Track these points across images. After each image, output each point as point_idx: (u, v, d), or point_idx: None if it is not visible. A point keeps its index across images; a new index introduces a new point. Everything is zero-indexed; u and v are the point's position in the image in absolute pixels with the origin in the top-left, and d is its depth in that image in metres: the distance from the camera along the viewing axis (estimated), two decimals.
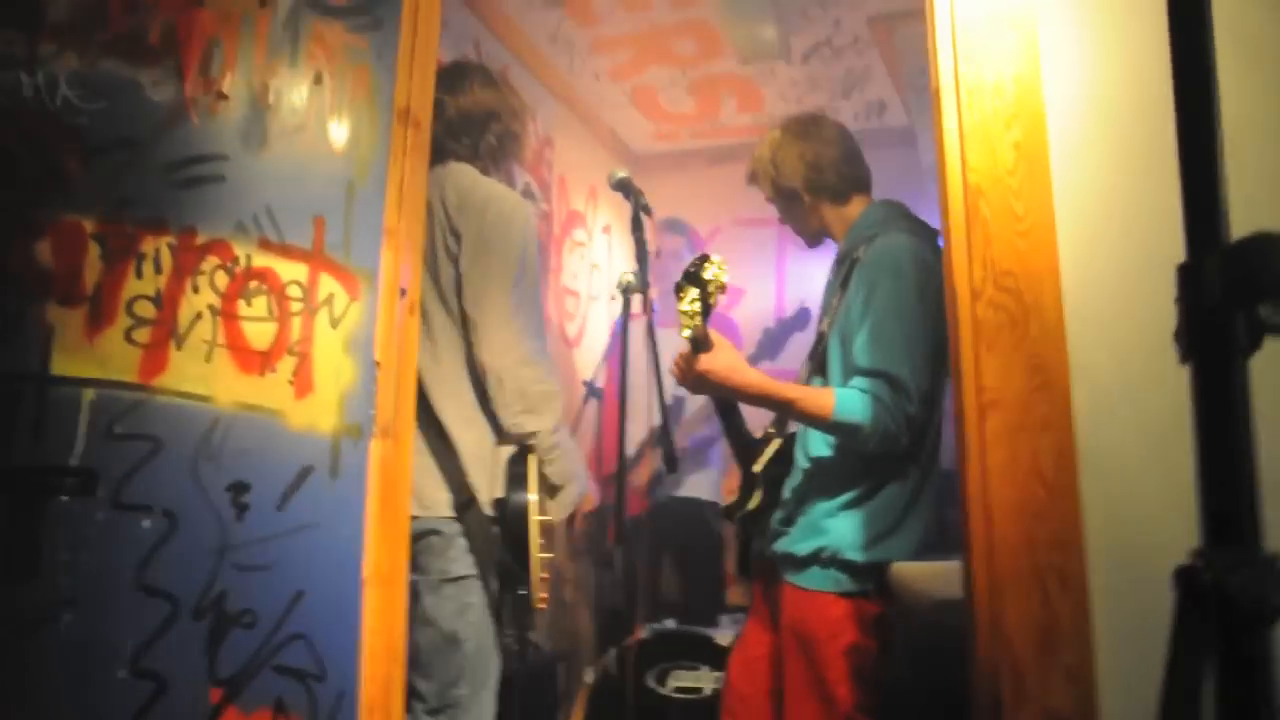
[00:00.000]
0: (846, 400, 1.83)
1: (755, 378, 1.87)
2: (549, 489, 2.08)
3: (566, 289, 3.93)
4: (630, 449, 3.48)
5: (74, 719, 1.34)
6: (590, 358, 3.82)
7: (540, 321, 2.08)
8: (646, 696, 2.61)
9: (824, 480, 1.96)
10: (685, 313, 1.77)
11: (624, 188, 2.28)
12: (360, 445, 1.67)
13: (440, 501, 2.00)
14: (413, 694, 1.99)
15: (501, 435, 2.06)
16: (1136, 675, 1.23)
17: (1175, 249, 1.09)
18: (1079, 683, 1.25)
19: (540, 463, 2.04)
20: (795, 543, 1.95)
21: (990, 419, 1.35)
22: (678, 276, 1.79)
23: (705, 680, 2.62)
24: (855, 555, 1.88)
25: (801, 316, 3.49)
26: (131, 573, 1.40)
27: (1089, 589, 1.29)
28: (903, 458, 1.92)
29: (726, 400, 2.06)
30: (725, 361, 1.85)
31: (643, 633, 2.64)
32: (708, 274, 1.75)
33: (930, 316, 1.86)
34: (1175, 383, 1.33)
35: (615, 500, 1.98)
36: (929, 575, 1.79)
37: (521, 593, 1.97)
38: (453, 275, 2.05)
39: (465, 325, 2.03)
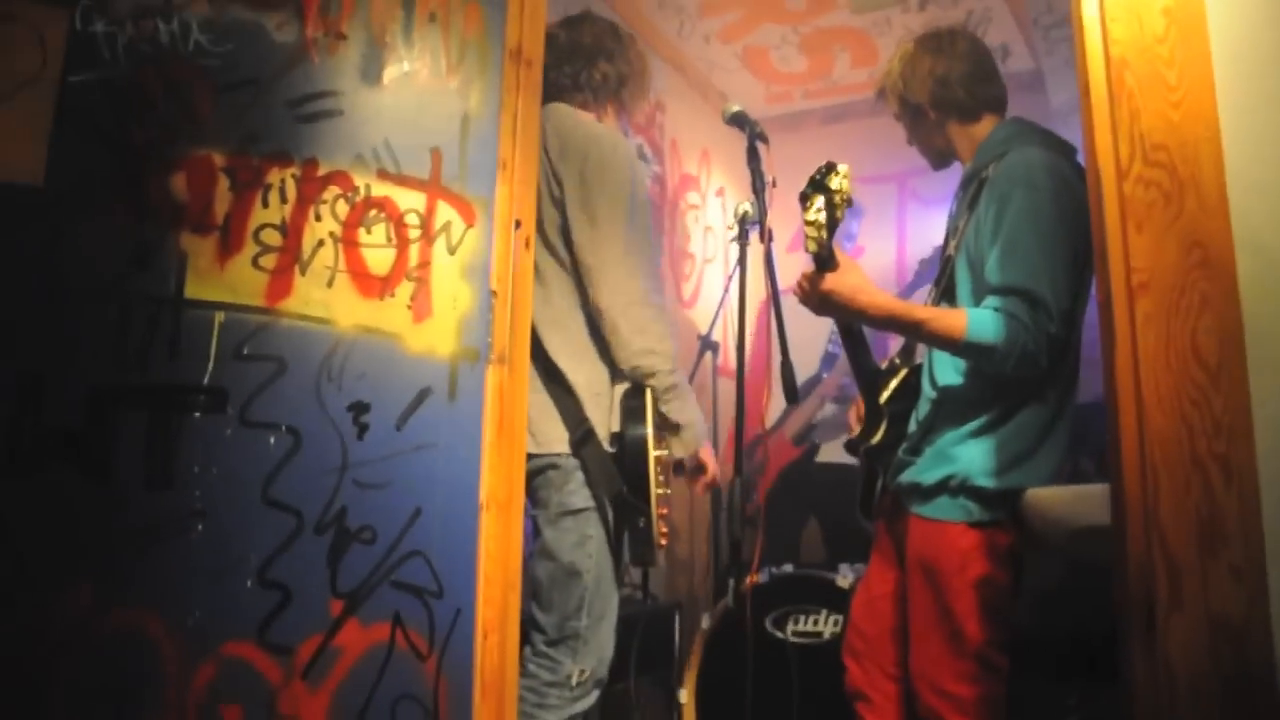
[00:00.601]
0: (980, 320, 1.73)
1: (882, 299, 1.78)
2: (670, 427, 2.06)
3: (681, 251, 3.91)
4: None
5: (206, 625, 1.39)
6: (705, 318, 3.78)
7: (654, 262, 2.06)
8: (765, 641, 2.56)
9: (952, 408, 1.87)
10: (810, 223, 1.70)
11: (738, 120, 2.25)
12: (477, 370, 1.69)
13: (556, 438, 2.00)
14: (532, 626, 2.01)
15: (617, 376, 2.05)
16: None
17: None
18: (1247, 582, 1.14)
19: (658, 402, 2.03)
20: (922, 472, 1.86)
21: (1141, 301, 1.25)
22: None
23: (825, 624, 2.56)
24: (986, 482, 1.79)
25: None
26: (258, 487, 1.45)
27: (1259, 480, 1.17)
28: (1040, 380, 1.81)
29: (851, 326, 1.98)
30: (851, 282, 1.77)
31: (761, 577, 2.59)
32: (834, 183, 1.68)
33: (1069, 231, 1.74)
34: None
35: (735, 427, 1.93)
36: (1068, 500, 1.68)
37: (642, 525, 1.96)
38: (558, 220, 2.06)
39: (578, 270, 2.03)
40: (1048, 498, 1.75)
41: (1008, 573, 1.83)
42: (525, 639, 1.97)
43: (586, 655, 1.98)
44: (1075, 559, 1.87)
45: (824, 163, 1.71)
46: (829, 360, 3.61)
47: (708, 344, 3.45)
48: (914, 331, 1.84)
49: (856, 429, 2.02)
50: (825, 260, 1.75)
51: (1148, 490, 1.21)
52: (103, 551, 1.34)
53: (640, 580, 2.20)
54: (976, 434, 1.83)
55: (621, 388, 2.06)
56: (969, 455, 1.82)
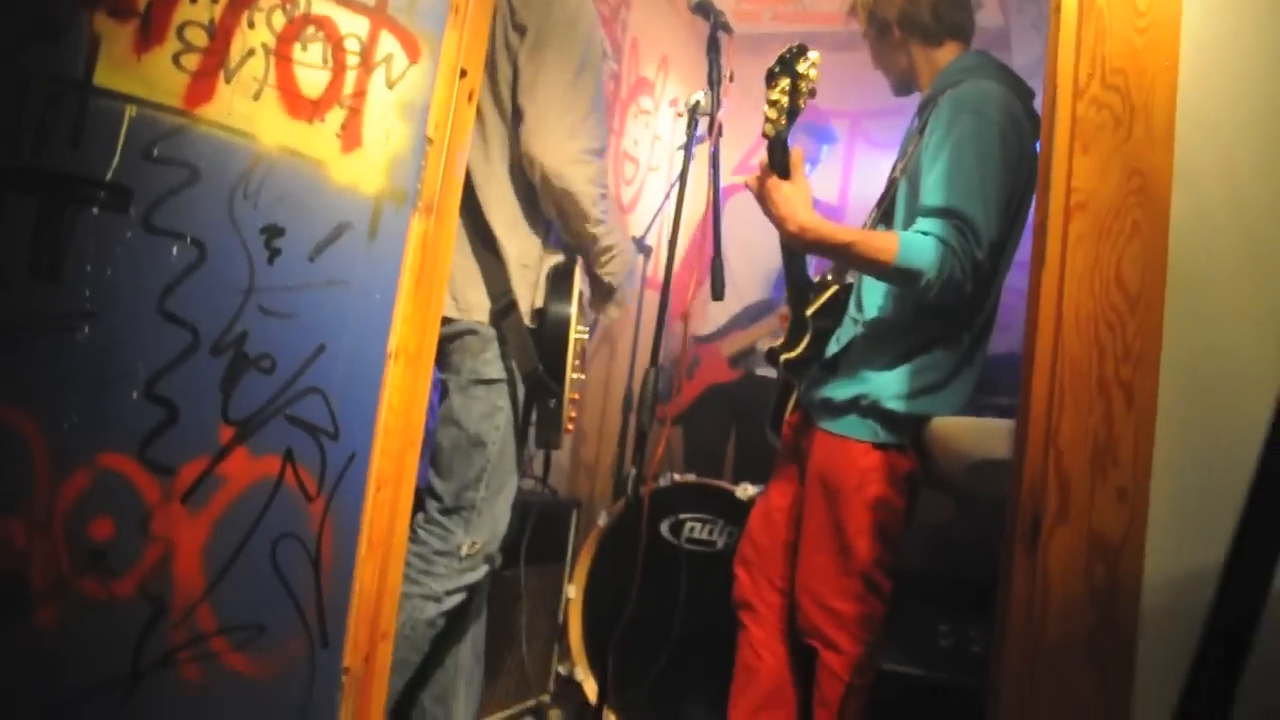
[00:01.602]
0: (910, 244, 1.72)
1: (813, 223, 1.75)
2: (603, 292, 2.03)
3: (627, 154, 3.83)
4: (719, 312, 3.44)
5: (83, 431, 1.32)
6: (643, 223, 3.73)
7: (601, 121, 1.97)
8: (658, 545, 2.58)
9: (874, 331, 1.89)
10: (771, 103, 1.67)
11: (703, 9, 2.18)
12: (403, 213, 1.62)
13: (477, 305, 1.95)
14: (428, 493, 1.97)
15: (549, 241, 2.00)
16: (1194, 501, 1.16)
17: None
18: (1129, 503, 1.18)
19: (596, 264, 1.99)
20: (835, 389, 1.88)
21: (1075, 221, 1.26)
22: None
23: (719, 535, 2.58)
24: (896, 405, 1.81)
25: None
26: (154, 297, 1.37)
27: (1158, 408, 1.20)
28: (959, 322, 1.82)
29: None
30: (786, 196, 1.75)
31: (662, 482, 2.60)
32: (801, 67, 1.64)
33: (1010, 169, 1.75)
34: None
35: (658, 317, 1.91)
36: (971, 431, 1.71)
37: (552, 405, 1.93)
38: (510, 75, 1.96)
39: (516, 118, 1.94)
40: (952, 426, 1.78)
41: (904, 498, 1.86)
42: (419, 505, 1.95)
43: (480, 528, 1.96)
44: (970, 493, 1.91)
45: (796, 44, 1.66)
46: (782, 284, 3.58)
47: (640, 247, 3.41)
48: (843, 254, 1.82)
49: (780, 340, 2.02)
50: (778, 153, 1.72)
51: (1052, 407, 1.24)
52: None
53: (541, 471, 2.17)
54: (893, 360, 1.85)
55: (550, 261, 2.00)
56: (882, 378, 1.84)
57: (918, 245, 1.72)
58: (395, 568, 1.70)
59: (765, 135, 1.72)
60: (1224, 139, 1.27)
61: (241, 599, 1.45)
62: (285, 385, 1.48)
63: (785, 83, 1.66)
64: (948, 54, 2.00)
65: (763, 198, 1.78)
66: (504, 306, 1.94)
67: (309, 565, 1.54)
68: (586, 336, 2.02)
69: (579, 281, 1.98)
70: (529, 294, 1.97)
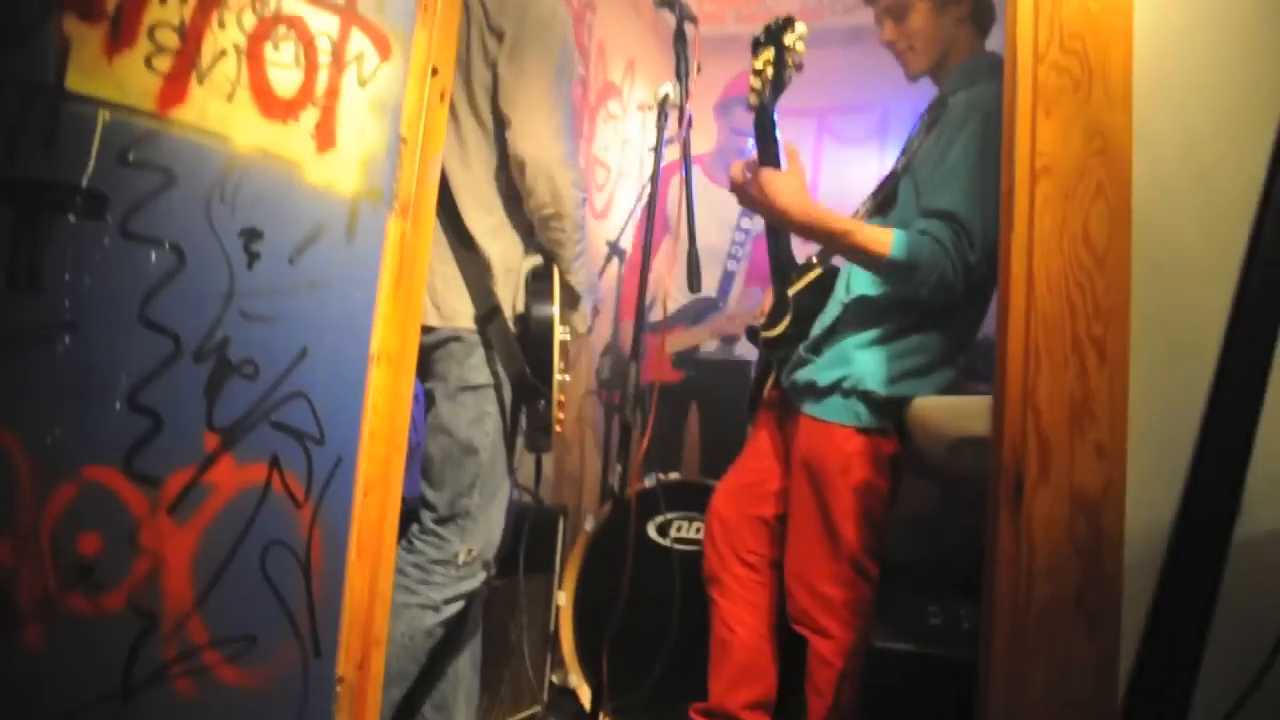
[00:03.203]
0: (905, 240, 1.74)
1: (807, 205, 1.78)
2: (570, 300, 2.02)
3: (597, 160, 3.84)
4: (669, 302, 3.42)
5: (67, 445, 1.29)
6: (616, 227, 3.73)
7: (573, 125, 2.00)
8: (646, 546, 2.58)
9: (859, 314, 1.90)
10: (756, 72, 1.69)
11: (668, 3, 2.18)
12: (379, 213, 1.61)
13: (461, 312, 1.94)
14: (421, 503, 1.96)
15: (529, 244, 2.00)
16: (1168, 453, 1.19)
17: (1257, 18, 0.98)
18: (1108, 458, 1.21)
19: (564, 273, 1.99)
20: (818, 371, 1.89)
21: (1042, 184, 1.29)
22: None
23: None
24: (878, 387, 1.82)
25: None
26: (135, 305, 1.35)
27: (1130, 363, 1.22)
28: (948, 311, 1.84)
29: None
30: (787, 185, 1.77)
31: (646, 482, 2.60)
32: (788, 40, 1.66)
33: None
34: (1242, 157, 1.28)
35: (635, 316, 1.91)
36: (950, 409, 1.72)
37: (541, 406, 1.92)
38: (488, 79, 1.96)
39: (499, 125, 1.94)
40: (931, 407, 1.80)
41: (888, 481, 1.88)
42: (413, 517, 1.93)
43: (475, 534, 1.94)
44: (952, 474, 1.92)
45: (784, 16, 1.68)
46: (727, 282, 3.56)
47: (615, 250, 3.41)
48: (836, 241, 1.83)
49: (762, 319, 2.03)
50: (764, 122, 1.74)
51: (1029, 369, 1.26)
52: None
53: (533, 479, 2.15)
54: (877, 342, 1.86)
55: (529, 263, 2.00)
56: (865, 360, 1.85)
57: (912, 242, 1.74)
58: (386, 573, 1.68)
59: (750, 105, 1.74)
60: (1179, 96, 1.30)
61: (232, 610, 1.43)
62: (269, 390, 1.47)
63: (770, 53, 1.68)
64: (967, 42, 1.97)
65: (751, 184, 1.80)
66: (488, 311, 1.93)
67: (299, 572, 1.52)
68: (568, 338, 2.02)
69: (557, 283, 1.98)
70: (511, 297, 1.97)
